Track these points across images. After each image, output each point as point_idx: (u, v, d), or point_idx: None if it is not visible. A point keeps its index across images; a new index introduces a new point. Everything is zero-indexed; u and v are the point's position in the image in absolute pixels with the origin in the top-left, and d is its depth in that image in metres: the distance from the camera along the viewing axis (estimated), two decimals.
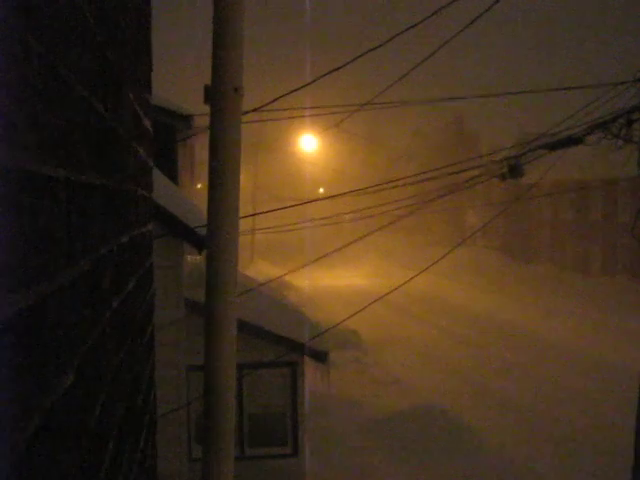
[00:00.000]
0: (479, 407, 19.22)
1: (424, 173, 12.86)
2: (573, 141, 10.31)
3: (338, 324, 11.92)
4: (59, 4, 1.02)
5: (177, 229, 9.44)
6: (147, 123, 2.65)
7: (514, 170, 11.32)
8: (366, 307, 10.91)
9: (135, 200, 2.14)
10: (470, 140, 70.73)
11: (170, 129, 12.87)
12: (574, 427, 17.58)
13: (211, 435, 3.22)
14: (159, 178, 9.16)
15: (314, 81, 8.89)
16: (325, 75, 8.56)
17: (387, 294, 11.28)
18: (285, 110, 10.93)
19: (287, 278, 39.46)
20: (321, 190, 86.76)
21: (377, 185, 11.61)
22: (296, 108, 11.28)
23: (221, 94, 3.09)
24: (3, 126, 0.74)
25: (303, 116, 14.44)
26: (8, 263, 0.74)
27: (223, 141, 3.12)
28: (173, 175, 12.68)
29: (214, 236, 3.16)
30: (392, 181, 12.44)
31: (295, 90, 8.44)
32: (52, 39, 0.97)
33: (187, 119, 12.93)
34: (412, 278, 11.23)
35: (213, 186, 3.17)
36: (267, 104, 8.92)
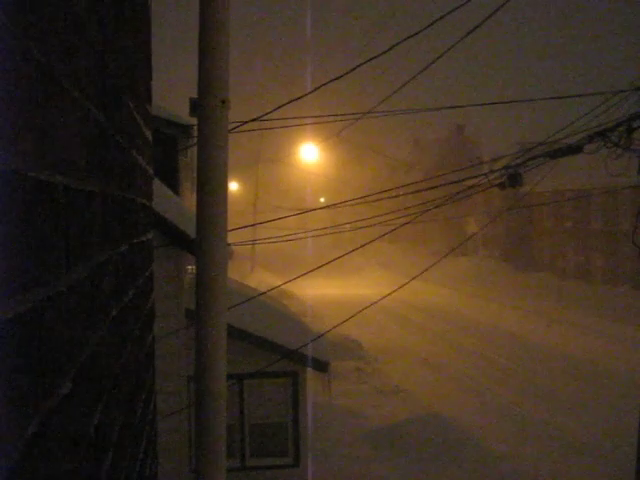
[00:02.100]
0: (481, 416, 19.18)
1: (424, 182, 12.88)
2: (573, 150, 10.32)
3: (331, 329, 11.89)
4: (60, 13, 1.03)
5: (178, 238, 9.44)
6: (147, 132, 2.66)
7: (514, 179, 11.34)
8: (359, 312, 10.93)
9: (135, 209, 2.14)
10: (470, 149, 70.96)
11: (171, 139, 12.90)
12: (577, 436, 17.55)
13: (203, 442, 3.22)
14: (160, 188, 9.18)
15: (314, 90, 8.91)
16: (325, 84, 8.58)
17: (379, 300, 11.31)
18: (286, 119, 10.94)
19: (288, 288, 39.54)
20: (322, 200, 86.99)
21: (376, 194, 11.59)
22: (297, 117, 11.28)
23: (208, 106, 3.12)
24: (2, 132, 0.74)
25: (304, 124, 14.49)
26: (5, 268, 0.74)
27: (211, 152, 3.15)
28: (174, 185, 12.69)
29: (203, 244, 3.18)
30: (391, 189, 12.44)
31: (296, 99, 8.45)
32: (53, 47, 0.97)
33: (187, 129, 12.95)
34: (404, 285, 11.22)
35: (202, 196, 3.20)
36: (268, 113, 8.94)
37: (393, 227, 11.13)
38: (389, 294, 11.19)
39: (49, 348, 0.92)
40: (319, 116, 12.43)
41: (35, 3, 0.89)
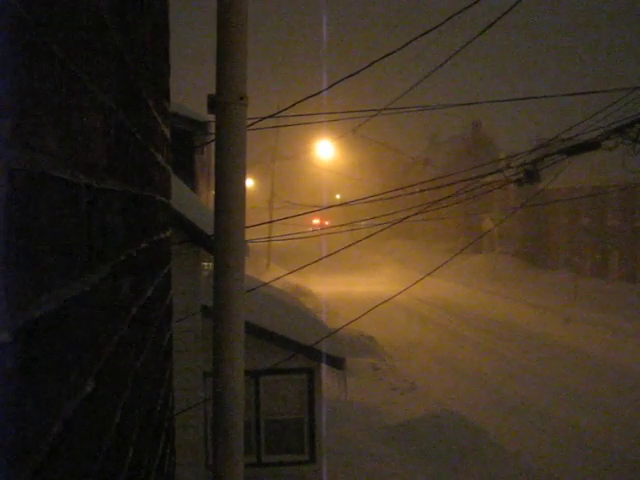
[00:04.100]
0: (497, 413, 19.12)
1: (440, 179, 12.83)
2: (590, 146, 10.24)
3: (346, 325, 11.86)
4: (81, 12, 1.03)
5: (194, 236, 9.46)
6: (165, 129, 2.66)
7: (531, 175, 11.27)
8: (374, 308, 10.88)
9: (154, 206, 2.14)
10: (487, 145, 70.72)
11: (187, 136, 12.91)
12: (594, 434, 17.46)
13: (221, 438, 3.23)
14: (177, 185, 9.20)
15: (330, 87, 8.89)
16: (341, 81, 8.56)
17: (394, 296, 11.26)
18: (301, 116, 10.94)
19: (304, 284, 39.55)
20: (338, 196, 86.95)
21: (392, 191, 11.58)
22: (312, 114, 11.28)
23: (226, 103, 3.12)
24: (25, 131, 0.74)
25: (320, 122, 14.48)
26: (31, 269, 0.74)
27: (229, 149, 3.15)
28: (191, 182, 12.71)
29: (221, 240, 3.18)
30: (408, 187, 12.41)
31: (311, 96, 8.44)
32: (74, 46, 0.97)
33: (204, 126, 12.96)
34: (419, 280, 11.21)
35: (219, 192, 3.20)
36: (283, 110, 8.94)
37: (406, 222, 11.10)
38: (403, 290, 11.16)
39: (73, 347, 0.93)
40: (334, 113, 12.43)
41: (58, 3, 0.89)
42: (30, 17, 0.77)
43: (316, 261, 10.38)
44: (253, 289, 10.77)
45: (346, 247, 10.35)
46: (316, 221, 75.39)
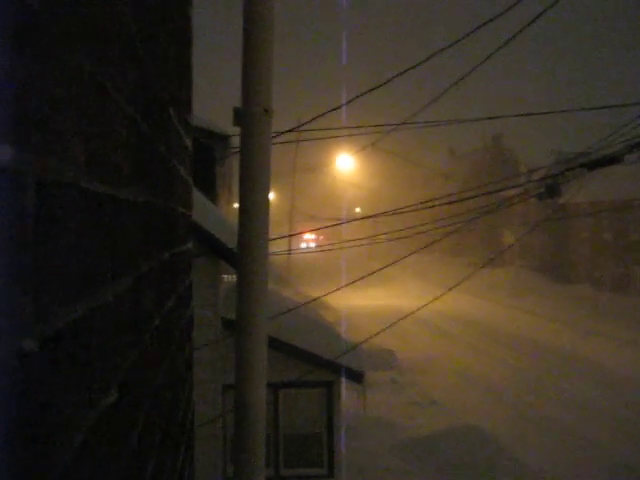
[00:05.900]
0: (518, 428, 18.97)
1: (461, 193, 12.81)
2: (612, 160, 10.17)
3: (367, 340, 11.82)
4: (109, 27, 1.04)
5: (215, 248, 9.49)
6: (187, 142, 2.68)
7: (552, 190, 11.21)
8: (394, 324, 10.85)
9: (176, 218, 2.15)
10: (508, 160, 70.46)
11: (209, 149, 12.98)
12: (614, 451, 17.27)
13: (242, 452, 3.22)
14: (198, 197, 9.24)
15: (350, 101, 8.93)
16: (362, 95, 8.58)
17: (417, 310, 11.21)
18: (322, 130, 10.96)
19: (323, 298, 39.47)
20: (358, 210, 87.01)
21: (413, 205, 11.56)
22: (333, 128, 11.30)
23: (251, 115, 3.13)
24: (53, 141, 0.75)
25: (340, 136, 14.50)
26: (57, 279, 0.75)
27: (253, 161, 3.16)
28: (211, 194, 12.77)
29: (244, 253, 3.19)
30: (428, 201, 12.39)
31: (331, 110, 8.48)
32: (102, 60, 0.98)
33: (225, 139, 13.05)
34: (441, 295, 11.14)
35: (243, 205, 3.20)
36: (304, 124, 8.98)
37: (430, 237, 11.07)
38: (426, 304, 11.12)
39: (97, 357, 0.93)
40: (353, 127, 12.44)
41: (85, 17, 0.90)
42: (59, 29, 0.77)
43: (351, 283, 10.34)
44: (291, 309, 10.78)
45: (387, 266, 10.32)
46: (309, 236, 71.13)
